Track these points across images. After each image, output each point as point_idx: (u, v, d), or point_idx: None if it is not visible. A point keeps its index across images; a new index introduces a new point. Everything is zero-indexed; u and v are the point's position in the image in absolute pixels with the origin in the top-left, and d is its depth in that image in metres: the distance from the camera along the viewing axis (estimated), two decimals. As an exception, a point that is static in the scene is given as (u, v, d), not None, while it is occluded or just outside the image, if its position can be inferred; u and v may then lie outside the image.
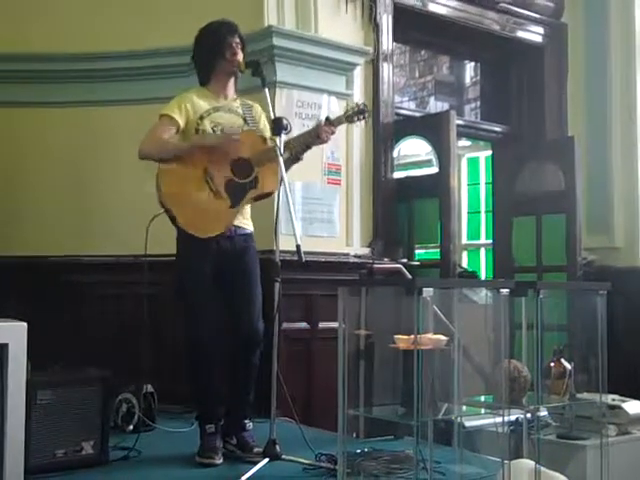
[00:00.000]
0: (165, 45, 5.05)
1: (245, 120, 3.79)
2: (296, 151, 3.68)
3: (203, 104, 3.72)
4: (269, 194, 3.73)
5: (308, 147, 3.74)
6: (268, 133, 3.77)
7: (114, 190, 5.34)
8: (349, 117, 3.75)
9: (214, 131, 3.70)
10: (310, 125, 4.71)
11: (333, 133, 3.71)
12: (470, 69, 8.07)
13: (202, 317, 3.61)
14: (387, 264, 5.54)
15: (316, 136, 3.68)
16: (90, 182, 5.42)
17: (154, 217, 3.68)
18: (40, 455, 3.25)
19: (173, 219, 3.61)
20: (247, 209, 3.78)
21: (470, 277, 7.13)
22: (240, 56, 3.74)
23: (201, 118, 3.69)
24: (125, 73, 5.36)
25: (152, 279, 4.15)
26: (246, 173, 3.66)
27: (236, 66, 3.73)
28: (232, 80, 3.83)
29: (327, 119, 3.75)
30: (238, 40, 3.76)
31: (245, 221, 3.77)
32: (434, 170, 6.29)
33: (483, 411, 3.23)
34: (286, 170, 3.47)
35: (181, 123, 3.65)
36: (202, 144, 3.64)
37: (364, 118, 3.81)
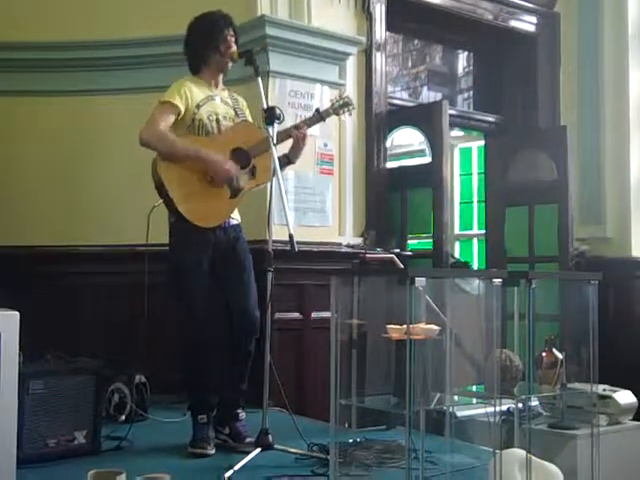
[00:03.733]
0: (160, 34, 5.02)
1: (235, 111, 3.81)
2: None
3: (199, 92, 3.71)
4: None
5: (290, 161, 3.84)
6: None
7: (109, 180, 5.32)
8: (335, 110, 3.88)
9: (210, 120, 3.69)
10: (303, 114, 4.73)
11: (304, 131, 3.76)
12: (463, 59, 8.06)
13: (198, 308, 3.61)
14: (380, 254, 5.55)
15: (287, 136, 3.74)
16: (85, 171, 5.39)
17: (154, 207, 3.66)
18: (32, 445, 3.26)
19: (173, 208, 3.57)
20: None
21: (463, 267, 7.14)
22: (234, 49, 3.75)
23: (198, 107, 3.68)
24: (121, 62, 5.33)
25: (148, 269, 4.14)
26: (244, 163, 3.66)
27: (229, 59, 3.73)
28: (222, 72, 3.83)
29: (317, 110, 3.87)
30: (232, 33, 3.77)
31: (234, 212, 3.79)
32: (427, 160, 6.29)
33: (475, 401, 3.23)
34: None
35: (182, 109, 3.63)
36: (205, 161, 3.60)
37: (349, 111, 3.90)
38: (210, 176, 3.59)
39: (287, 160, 3.83)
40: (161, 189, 3.56)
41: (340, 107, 3.85)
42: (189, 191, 3.57)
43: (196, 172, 3.59)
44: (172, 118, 3.63)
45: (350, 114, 3.99)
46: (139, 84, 5.12)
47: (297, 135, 3.74)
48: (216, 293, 3.69)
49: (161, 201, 3.62)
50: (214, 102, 3.75)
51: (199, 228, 3.59)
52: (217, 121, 3.72)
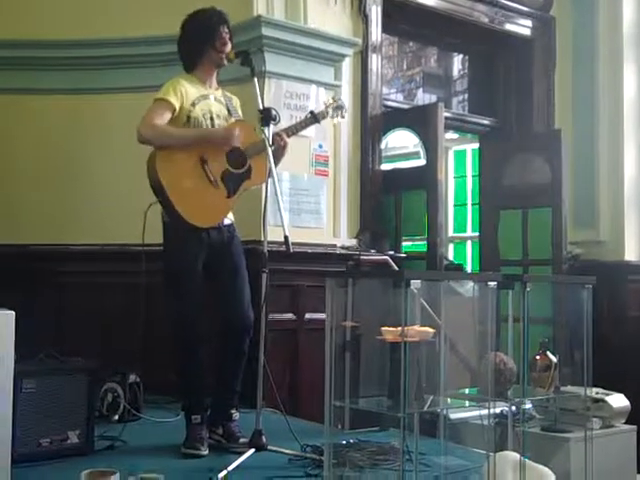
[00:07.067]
0: (157, 33, 5.00)
1: (229, 110, 3.81)
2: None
3: (194, 91, 3.71)
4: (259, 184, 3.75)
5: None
6: None
7: (102, 178, 5.31)
8: (328, 113, 3.90)
9: (204, 118, 3.70)
10: (298, 116, 4.73)
11: (286, 143, 3.73)
12: (458, 61, 8.06)
13: (192, 308, 3.61)
14: (374, 256, 5.55)
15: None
16: (78, 170, 5.37)
17: (150, 205, 3.64)
18: (25, 444, 3.24)
19: (169, 206, 3.56)
20: None
21: (456, 269, 7.14)
22: (229, 46, 3.74)
23: (193, 105, 3.68)
24: (116, 61, 5.31)
25: (141, 268, 4.13)
26: (240, 163, 3.67)
27: (224, 57, 3.73)
28: (217, 70, 3.83)
29: (311, 113, 3.87)
30: (227, 30, 3.76)
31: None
32: (421, 162, 6.29)
33: (468, 403, 3.24)
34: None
35: (177, 106, 3.63)
36: (207, 137, 3.64)
37: (341, 114, 3.94)
38: (212, 153, 3.58)
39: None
40: (158, 190, 3.55)
41: (333, 110, 3.88)
42: (186, 191, 3.57)
43: (193, 170, 3.58)
44: (168, 115, 3.63)
45: (343, 117, 4.00)
46: (136, 83, 5.10)
47: (278, 142, 3.70)
48: (209, 293, 3.69)
49: (157, 200, 3.60)
50: (208, 101, 3.75)
51: (193, 228, 3.58)
52: (211, 119, 3.73)
